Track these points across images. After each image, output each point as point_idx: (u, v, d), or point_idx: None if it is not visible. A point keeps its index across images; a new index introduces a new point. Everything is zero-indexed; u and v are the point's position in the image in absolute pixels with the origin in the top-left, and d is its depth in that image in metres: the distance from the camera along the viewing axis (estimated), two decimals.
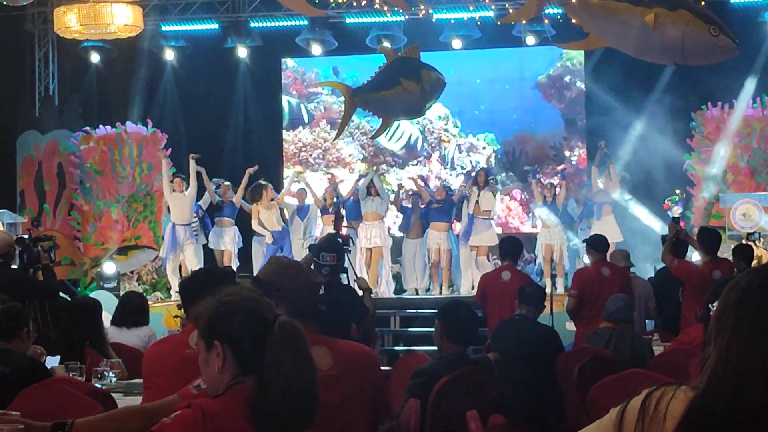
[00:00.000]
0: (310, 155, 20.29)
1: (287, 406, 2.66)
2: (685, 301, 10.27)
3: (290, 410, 2.66)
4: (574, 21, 13.57)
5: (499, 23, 17.08)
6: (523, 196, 19.40)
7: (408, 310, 14.93)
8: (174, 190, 15.79)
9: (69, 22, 14.38)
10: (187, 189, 15.73)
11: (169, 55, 18.72)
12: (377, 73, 15.05)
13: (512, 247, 10.49)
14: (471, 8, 17.53)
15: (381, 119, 15.89)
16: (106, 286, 15.48)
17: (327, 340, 3.73)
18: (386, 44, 17.28)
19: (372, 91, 14.93)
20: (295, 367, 2.68)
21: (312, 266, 8.19)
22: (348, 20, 18.24)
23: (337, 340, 3.79)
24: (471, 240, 15.63)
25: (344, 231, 14.88)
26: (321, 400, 3.55)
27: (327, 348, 3.66)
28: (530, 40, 17.64)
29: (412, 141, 20.07)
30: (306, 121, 20.28)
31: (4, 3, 12.07)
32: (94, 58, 18.27)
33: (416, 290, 16.20)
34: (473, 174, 17.04)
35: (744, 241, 13.31)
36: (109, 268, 15.85)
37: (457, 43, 18.19)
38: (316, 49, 18.42)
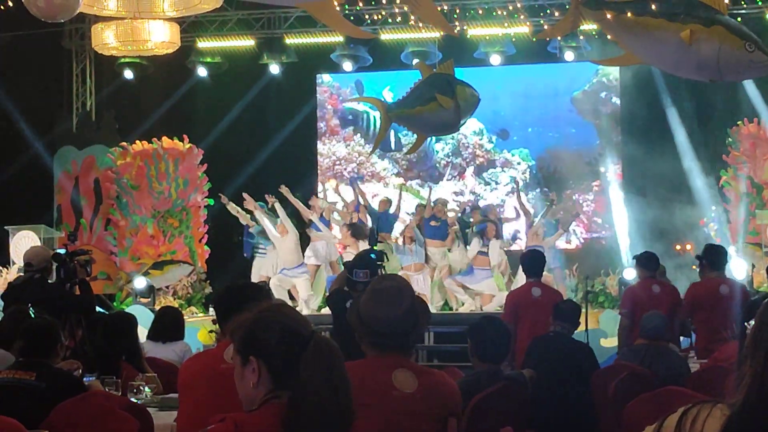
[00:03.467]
0: (345, 169, 20.34)
1: (320, 423, 2.66)
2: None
3: (323, 428, 2.66)
4: (609, 37, 13.54)
5: (534, 39, 17.06)
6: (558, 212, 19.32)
7: (442, 326, 14.90)
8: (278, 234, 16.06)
9: (106, 39, 14.49)
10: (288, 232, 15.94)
11: (205, 71, 18.82)
12: (412, 88, 15.07)
13: (534, 261, 10.33)
14: (506, 24, 17.52)
15: (416, 135, 15.92)
16: (141, 300, 15.55)
17: (413, 365, 3.72)
18: (416, 60, 17.30)
19: (407, 107, 14.94)
20: (329, 386, 2.68)
21: (345, 283, 8.21)
22: (383, 36, 18.28)
23: (422, 368, 3.79)
24: (474, 287, 15.77)
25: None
26: (402, 424, 3.55)
27: (413, 373, 3.65)
28: (568, 55, 17.59)
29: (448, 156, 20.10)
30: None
31: (42, 19, 12.19)
32: (131, 74, 18.39)
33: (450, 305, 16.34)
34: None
35: None
36: (139, 282, 15.89)
37: (491, 59, 18.18)
38: (349, 65, 18.49)
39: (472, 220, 16.78)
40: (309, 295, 15.82)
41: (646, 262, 10.27)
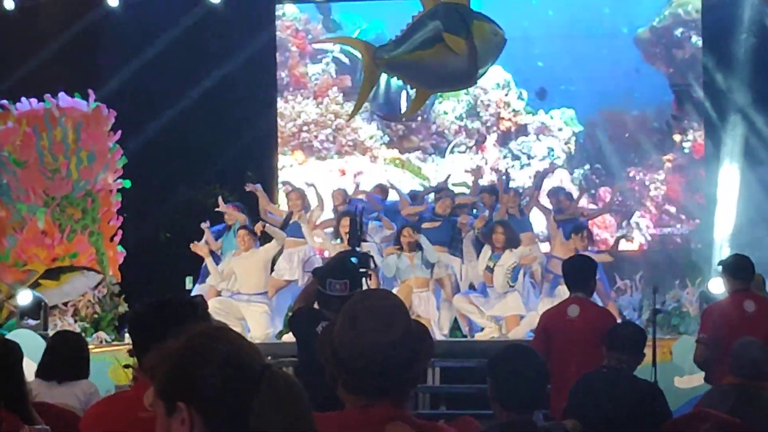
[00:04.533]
0: (315, 137, 20.34)
1: None
2: None
3: None
4: None
5: None
6: (616, 197, 19.34)
7: (452, 360, 14.96)
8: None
9: None
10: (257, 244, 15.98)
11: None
12: (410, 25, 15.09)
13: (578, 270, 10.38)
14: None
15: (415, 90, 15.91)
16: (28, 323, 15.52)
17: (411, 418, 3.75)
18: None
19: (403, 51, 14.95)
20: None
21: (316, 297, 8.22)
22: None
23: (424, 422, 3.81)
24: (492, 310, 15.79)
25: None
26: None
27: (411, 429, 3.66)
28: None
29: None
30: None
31: None
32: (11, 2, 18.33)
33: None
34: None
35: None
36: (25, 297, 15.81)
37: None
38: None
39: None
40: (265, 333, 15.82)
41: (737, 269, 10.30)
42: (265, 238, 16.24)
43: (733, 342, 9.78)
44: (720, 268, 10.75)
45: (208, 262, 16.23)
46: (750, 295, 10.21)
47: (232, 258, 16.26)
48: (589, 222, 16.82)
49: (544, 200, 17.03)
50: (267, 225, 16.19)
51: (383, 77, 17.16)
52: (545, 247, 16.88)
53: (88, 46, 19.26)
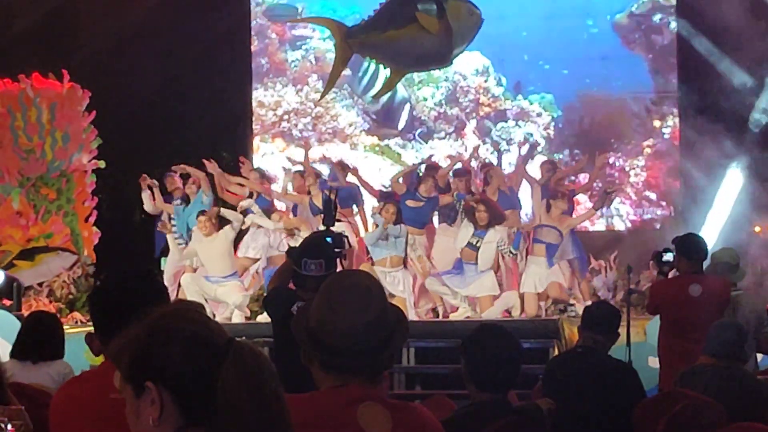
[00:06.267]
0: (295, 126, 20.30)
1: None
2: None
3: None
4: None
5: None
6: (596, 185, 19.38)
7: (427, 340, 14.99)
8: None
9: None
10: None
11: None
12: (383, 5, 15.04)
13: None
14: None
15: (389, 71, 15.89)
16: (3, 303, 15.49)
17: (385, 398, 3.75)
18: None
19: (375, 31, 14.92)
20: (260, 412, 2.67)
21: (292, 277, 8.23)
22: None
23: (398, 402, 3.82)
24: (467, 289, 15.75)
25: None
26: None
27: (385, 408, 3.66)
28: None
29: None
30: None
31: None
32: None
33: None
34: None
35: None
36: None
37: None
38: None
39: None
40: (243, 296, 15.86)
41: (688, 250, 10.41)
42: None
43: (680, 320, 9.96)
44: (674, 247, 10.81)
45: (170, 239, 16.31)
46: (699, 278, 10.28)
47: (194, 240, 16.30)
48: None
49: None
50: (222, 209, 16.20)
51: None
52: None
53: (61, 26, 19.17)
